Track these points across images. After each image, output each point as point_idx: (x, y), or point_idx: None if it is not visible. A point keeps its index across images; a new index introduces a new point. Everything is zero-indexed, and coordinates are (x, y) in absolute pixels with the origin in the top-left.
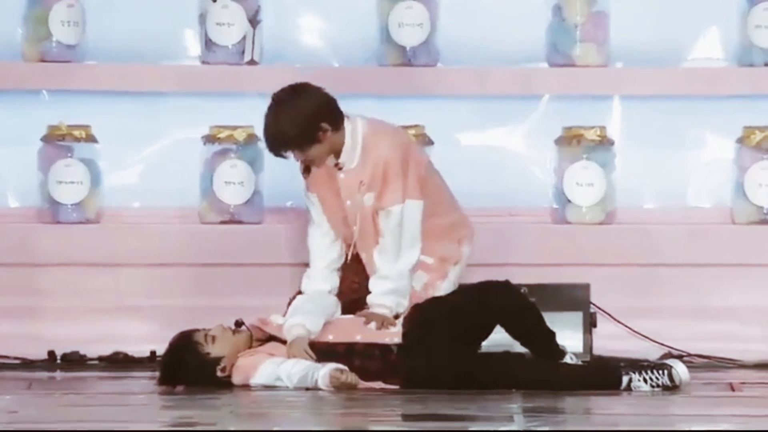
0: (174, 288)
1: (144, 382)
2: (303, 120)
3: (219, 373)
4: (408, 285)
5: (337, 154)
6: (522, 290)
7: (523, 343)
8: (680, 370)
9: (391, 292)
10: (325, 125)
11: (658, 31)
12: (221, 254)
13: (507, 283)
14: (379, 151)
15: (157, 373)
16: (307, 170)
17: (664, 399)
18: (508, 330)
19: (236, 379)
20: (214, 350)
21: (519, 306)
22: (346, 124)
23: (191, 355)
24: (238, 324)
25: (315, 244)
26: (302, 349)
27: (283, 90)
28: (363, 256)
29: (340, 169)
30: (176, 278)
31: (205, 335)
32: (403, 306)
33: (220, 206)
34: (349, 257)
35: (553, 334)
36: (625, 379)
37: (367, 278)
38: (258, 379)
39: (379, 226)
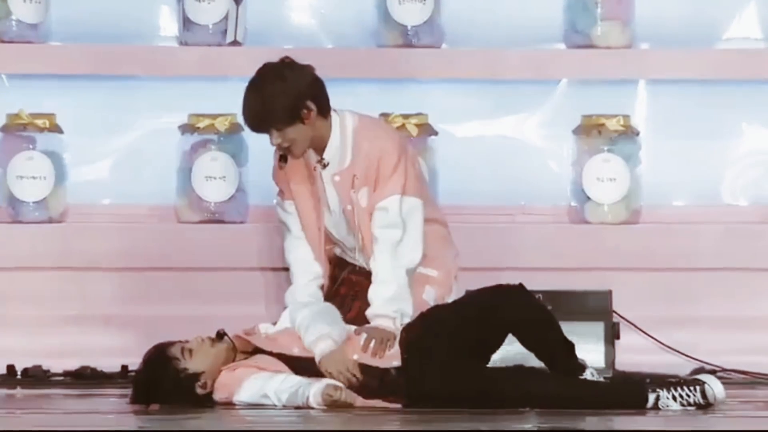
0: (148, 295)
1: (114, 400)
2: (288, 95)
3: (199, 390)
4: (408, 290)
5: (320, 149)
6: (536, 297)
7: (538, 356)
8: (714, 386)
9: (392, 298)
10: (310, 104)
11: (689, 8)
12: (201, 257)
13: (520, 287)
14: (373, 144)
15: (129, 391)
16: (283, 159)
17: (696, 419)
18: (522, 340)
19: (219, 396)
20: (192, 365)
21: (534, 313)
22: (334, 118)
23: (167, 371)
24: (220, 335)
25: (298, 257)
26: (342, 364)
27: (268, 64)
28: (370, 263)
29: (325, 166)
30: (151, 284)
31: (182, 349)
32: (407, 315)
33: (200, 204)
34: (354, 263)
35: (571, 346)
36: (651, 397)
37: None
38: (243, 396)
39: (373, 228)
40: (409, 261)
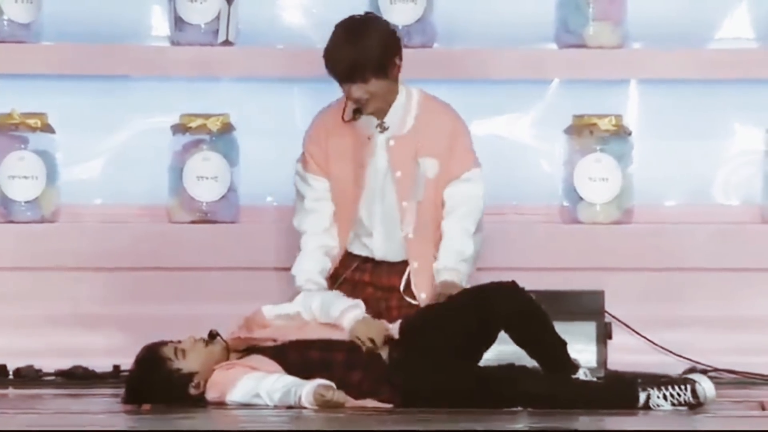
0: (140, 295)
1: (106, 400)
2: (381, 46)
3: (192, 391)
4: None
5: (383, 113)
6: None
7: (530, 353)
8: (705, 386)
9: (465, 260)
10: (398, 60)
11: (681, 8)
12: (193, 257)
13: (513, 284)
14: (441, 117)
15: (121, 391)
16: (358, 111)
17: (687, 419)
18: (514, 337)
19: (211, 395)
20: (185, 365)
21: (526, 309)
22: (400, 87)
23: (159, 372)
24: (212, 335)
25: (308, 228)
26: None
27: (354, 16)
28: (410, 237)
29: (384, 130)
30: (143, 284)
31: (175, 349)
32: (469, 278)
33: (192, 204)
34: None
35: (564, 345)
36: (642, 396)
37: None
38: (235, 395)
39: (447, 201)
40: (477, 243)
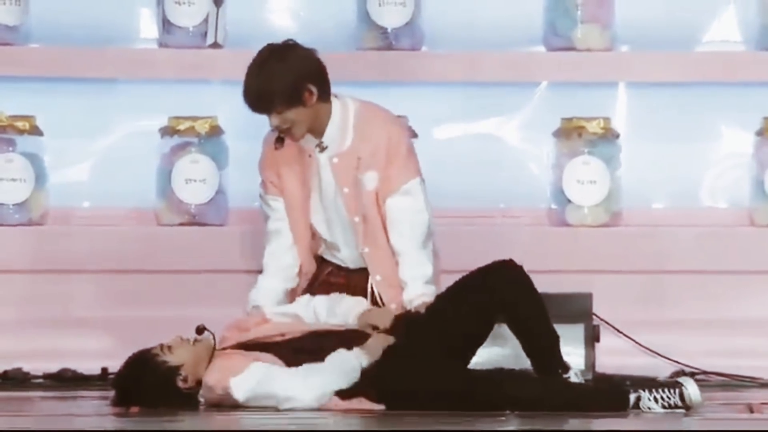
0: (128, 298)
1: (94, 402)
2: (290, 76)
3: (180, 384)
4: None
5: (319, 133)
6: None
7: (522, 339)
8: (691, 390)
9: (430, 281)
10: (312, 87)
11: (669, 11)
12: (181, 260)
13: (511, 261)
14: (378, 128)
15: (110, 394)
16: (279, 141)
17: (676, 421)
18: (509, 317)
19: (210, 379)
20: (171, 359)
21: (524, 287)
22: (335, 102)
23: (147, 367)
24: (200, 330)
25: (270, 248)
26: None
27: (270, 45)
28: (366, 251)
29: (323, 150)
30: (131, 286)
31: (162, 346)
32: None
33: (180, 206)
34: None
35: (557, 339)
36: (632, 397)
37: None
38: (241, 382)
39: (389, 214)
40: (432, 246)
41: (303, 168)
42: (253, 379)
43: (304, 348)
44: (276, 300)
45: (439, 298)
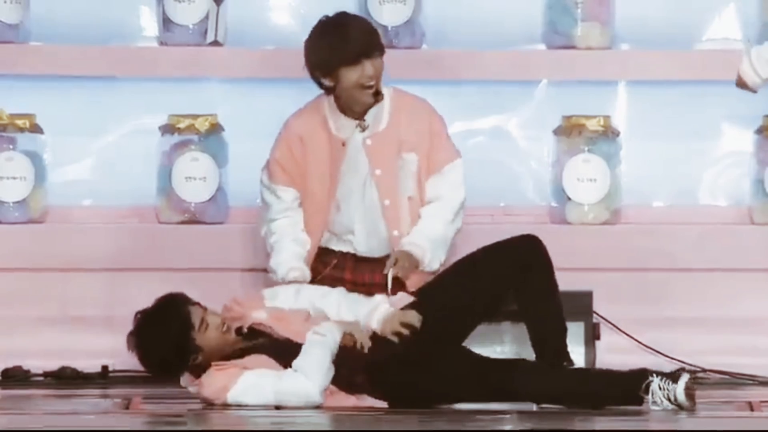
0: (128, 296)
1: (95, 400)
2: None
3: (190, 362)
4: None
5: (359, 113)
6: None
7: (527, 319)
8: (678, 390)
9: (434, 241)
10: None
11: (669, 9)
12: (181, 258)
13: (534, 235)
14: (418, 112)
15: (110, 392)
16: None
17: (676, 419)
18: (519, 290)
19: (206, 393)
20: (200, 338)
21: (542, 256)
22: None
23: (173, 327)
24: (240, 332)
25: (278, 226)
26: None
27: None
28: (395, 234)
29: (364, 129)
30: (131, 285)
31: (202, 319)
32: (437, 265)
33: (180, 204)
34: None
35: (564, 330)
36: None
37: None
38: (237, 391)
39: (428, 191)
40: (455, 228)
41: (332, 155)
42: (247, 391)
43: (285, 354)
44: (298, 269)
45: (458, 262)
